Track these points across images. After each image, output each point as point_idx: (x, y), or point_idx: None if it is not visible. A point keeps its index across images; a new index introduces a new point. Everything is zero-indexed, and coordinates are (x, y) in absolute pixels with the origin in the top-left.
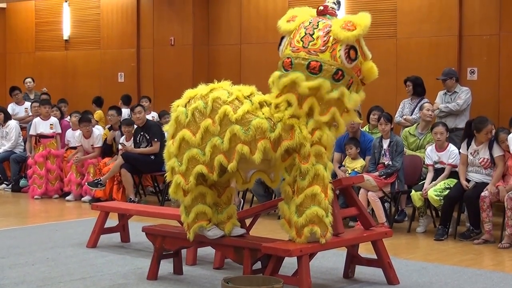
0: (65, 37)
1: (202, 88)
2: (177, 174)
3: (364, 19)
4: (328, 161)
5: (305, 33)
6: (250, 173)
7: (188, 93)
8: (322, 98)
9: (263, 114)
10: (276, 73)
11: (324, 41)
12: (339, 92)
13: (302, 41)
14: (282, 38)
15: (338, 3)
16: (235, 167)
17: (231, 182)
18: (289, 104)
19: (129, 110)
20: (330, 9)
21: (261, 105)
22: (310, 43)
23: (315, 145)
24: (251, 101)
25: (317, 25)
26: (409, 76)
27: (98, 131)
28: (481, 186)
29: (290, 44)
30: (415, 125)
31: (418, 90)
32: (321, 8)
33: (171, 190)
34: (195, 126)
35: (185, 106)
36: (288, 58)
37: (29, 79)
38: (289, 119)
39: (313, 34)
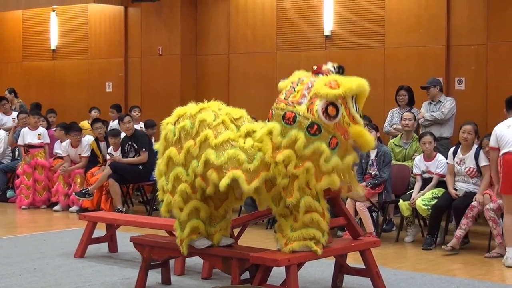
0: (53, 46)
1: (191, 107)
2: (166, 193)
3: (351, 81)
4: (319, 190)
5: (291, 87)
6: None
7: (178, 111)
8: (298, 151)
9: (244, 143)
10: (260, 124)
11: (303, 94)
12: (314, 148)
13: (285, 94)
14: None
15: (340, 68)
16: (212, 191)
17: (229, 195)
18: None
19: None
20: (325, 70)
21: (248, 134)
22: (291, 95)
23: (297, 180)
24: (237, 127)
25: (303, 80)
26: (402, 85)
27: (86, 141)
28: (470, 195)
29: (277, 99)
30: (399, 135)
31: (410, 99)
32: (315, 67)
33: (162, 209)
34: (180, 145)
35: (174, 124)
36: (271, 110)
37: (6, 91)
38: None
39: (296, 87)
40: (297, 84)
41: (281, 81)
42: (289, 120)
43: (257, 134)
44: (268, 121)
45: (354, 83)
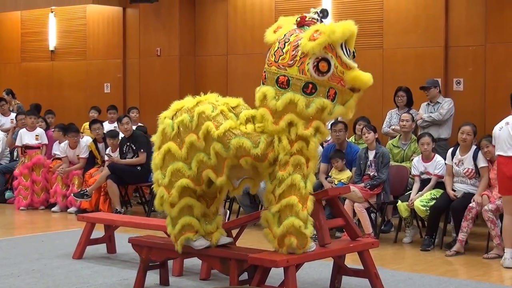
0: (51, 47)
1: (188, 101)
2: (161, 187)
3: (333, 27)
4: (311, 173)
5: (278, 47)
6: (238, 180)
7: (175, 105)
8: (301, 113)
9: (246, 129)
10: (257, 88)
11: (293, 55)
12: (317, 105)
13: (274, 55)
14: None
15: (323, 12)
16: (224, 181)
17: (218, 193)
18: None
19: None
20: (309, 19)
21: (248, 120)
22: (280, 58)
23: (295, 155)
24: (236, 115)
25: (289, 39)
26: (401, 86)
27: (84, 142)
28: (469, 196)
29: (267, 58)
30: (397, 136)
31: (408, 100)
32: (298, 19)
33: (156, 202)
34: (180, 139)
35: (172, 118)
36: (264, 72)
37: (3, 92)
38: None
39: (284, 48)
40: (284, 44)
41: (267, 31)
42: (283, 84)
43: (256, 97)
44: (263, 83)
45: (337, 28)
